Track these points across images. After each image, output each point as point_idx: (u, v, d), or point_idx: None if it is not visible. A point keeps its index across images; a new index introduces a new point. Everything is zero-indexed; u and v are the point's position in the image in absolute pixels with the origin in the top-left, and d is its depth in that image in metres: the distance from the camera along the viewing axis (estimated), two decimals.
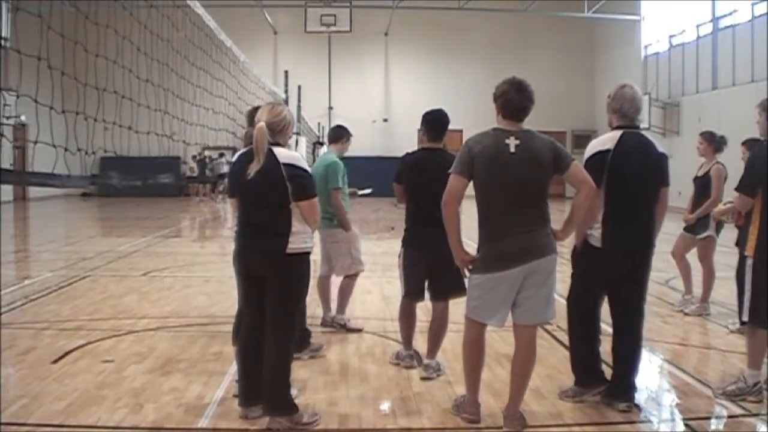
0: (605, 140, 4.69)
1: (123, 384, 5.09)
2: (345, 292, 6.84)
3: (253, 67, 12.09)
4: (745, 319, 4.98)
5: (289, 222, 4.27)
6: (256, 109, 4.78)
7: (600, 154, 4.63)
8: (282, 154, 4.29)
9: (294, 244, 4.27)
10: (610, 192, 4.60)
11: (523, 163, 4.19)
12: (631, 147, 4.63)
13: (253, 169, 4.21)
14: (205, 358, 5.77)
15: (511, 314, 4.38)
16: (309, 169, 4.45)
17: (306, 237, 4.36)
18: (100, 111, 5.96)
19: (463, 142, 4.34)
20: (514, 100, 4.26)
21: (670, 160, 4.92)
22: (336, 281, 6.97)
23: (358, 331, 6.76)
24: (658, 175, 4.73)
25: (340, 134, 6.89)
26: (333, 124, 7.15)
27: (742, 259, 5.04)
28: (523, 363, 4.36)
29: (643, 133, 4.85)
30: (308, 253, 4.42)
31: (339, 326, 6.76)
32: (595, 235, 4.66)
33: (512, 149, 4.19)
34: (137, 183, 28.46)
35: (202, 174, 27.76)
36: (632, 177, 4.60)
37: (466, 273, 4.41)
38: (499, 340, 6.17)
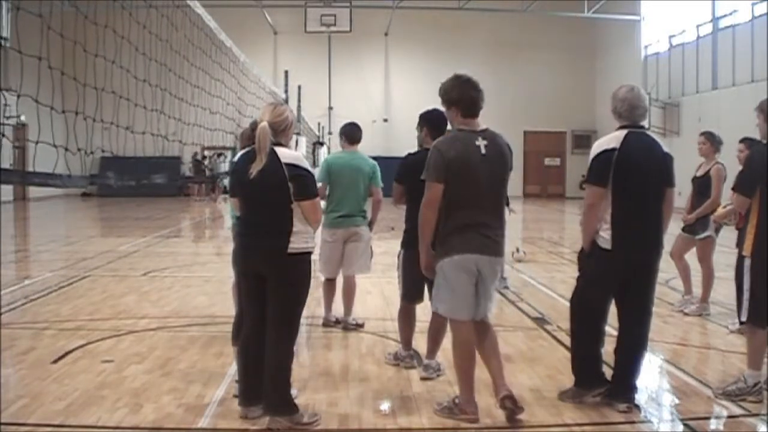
0: (610, 139, 4.69)
1: (123, 384, 5.09)
2: (350, 293, 6.86)
3: (253, 67, 12.08)
4: (744, 319, 4.98)
5: (290, 222, 4.27)
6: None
7: (605, 153, 4.63)
8: (284, 153, 4.29)
9: (295, 244, 4.28)
10: (617, 192, 4.60)
11: (493, 164, 4.40)
12: (636, 146, 4.62)
13: (255, 168, 4.21)
14: (205, 358, 5.77)
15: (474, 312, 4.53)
16: (311, 169, 4.46)
17: (308, 237, 4.37)
18: (99, 111, 5.96)
19: (433, 145, 4.46)
20: (469, 96, 4.43)
21: None
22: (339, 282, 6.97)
23: (362, 324, 6.84)
24: (663, 176, 4.71)
25: (359, 133, 6.86)
26: (347, 123, 6.96)
27: (741, 259, 5.04)
28: (493, 346, 4.57)
29: (649, 133, 4.85)
30: (310, 253, 4.42)
31: (353, 326, 6.79)
32: (604, 236, 4.64)
33: (483, 151, 4.36)
34: (136, 183, 28.35)
35: (198, 174, 27.76)
36: (638, 177, 4.59)
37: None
38: (500, 341, 6.16)
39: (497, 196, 4.48)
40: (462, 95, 4.42)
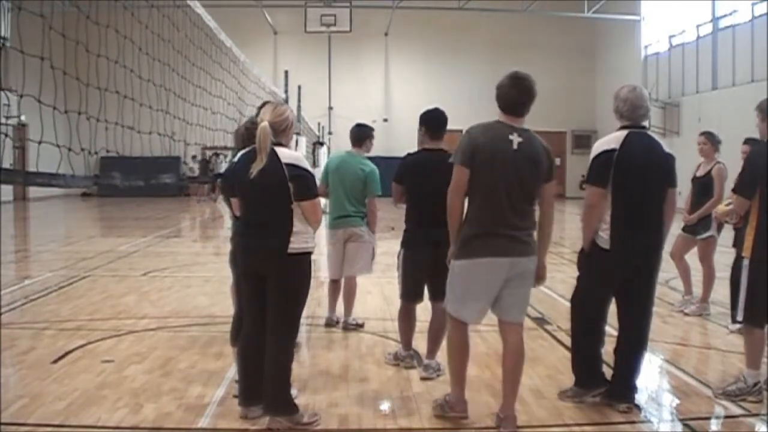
0: (611, 140, 4.69)
1: (123, 384, 5.09)
2: (351, 293, 6.87)
3: (253, 67, 12.09)
4: (739, 318, 4.98)
5: (290, 222, 4.27)
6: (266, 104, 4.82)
7: (606, 154, 4.62)
8: (284, 154, 4.30)
9: (295, 244, 4.28)
10: (617, 192, 4.59)
11: (523, 162, 4.21)
12: (637, 147, 4.61)
13: (255, 168, 4.21)
14: (205, 359, 5.77)
15: (497, 312, 4.37)
16: (311, 170, 4.45)
17: (308, 237, 4.37)
18: (101, 111, 5.96)
19: (465, 131, 4.33)
20: (509, 94, 4.27)
21: None
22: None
23: (362, 324, 6.86)
24: (665, 176, 4.70)
25: (364, 134, 6.72)
26: (355, 123, 6.87)
27: (738, 259, 5.04)
28: (515, 362, 4.35)
29: (650, 133, 4.85)
30: (310, 253, 4.42)
31: (353, 326, 6.80)
32: (604, 236, 4.64)
33: (515, 146, 4.20)
34: (137, 183, 28.42)
35: (204, 174, 27.78)
36: (637, 177, 4.58)
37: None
38: (500, 340, 6.16)
39: (525, 195, 4.25)
40: (499, 89, 4.29)
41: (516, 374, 4.35)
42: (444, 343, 5.43)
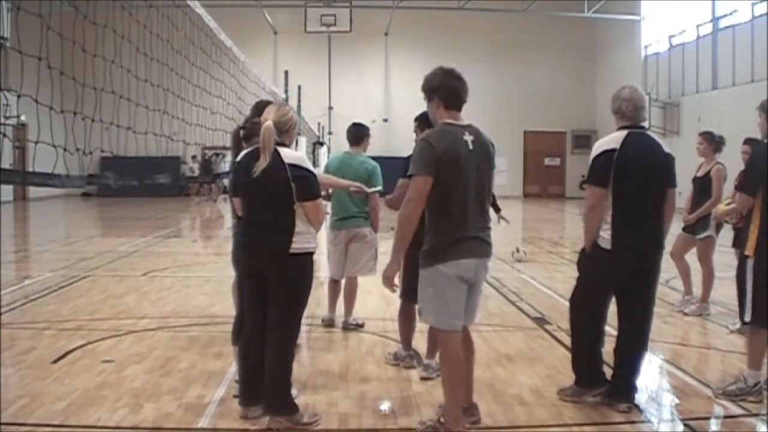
0: (611, 140, 4.68)
1: (123, 384, 5.09)
2: (352, 294, 6.87)
3: (253, 67, 12.08)
4: (747, 319, 4.96)
5: (292, 222, 4.27)
6: (263, 102, 4.79)
7: (606, 154, 4.62)
8: (287, 154, 4.30)
9: (297, 244, 4.28)
10: (617, 192, 4.59)
11: (480, 160, 4.16)
12: (637, 147, 4.61)
13: (258, 167, 4.21)
14: (205, 358, 5.77)
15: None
16: (313, 170, 4.45)
17: (309, 237, 4.36)
18: (99, 111, 5.96)
19: (421, 138, 4.28)
20: (451, 86, 4.19)
21: None
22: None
23: (362, 324, 6.86)
24: (664, 176, 4.70)
25: (363, 133, 6.72)
26: (351, 123, 6.86)
27: (743, 259, 5.03)
28: (470, 357, 4.43)
29: (650, 133, 4.85)
30: (312, 254, 4.42)
31: (353, 326, 6.81)
32: (605, 236, 4.64)
33: (470, 146, 4.13)
34: (136, 183, 28.37)
35: (205, 174, 27.79)
36: (638, 177, 4.57)
37: (394, 286, 4.34)
38: (500, 340, 6.17)
39: (485, 195, 4.22)
40: (443, 84, 4.19)
41: (472, 365, 4.46)
42: None
